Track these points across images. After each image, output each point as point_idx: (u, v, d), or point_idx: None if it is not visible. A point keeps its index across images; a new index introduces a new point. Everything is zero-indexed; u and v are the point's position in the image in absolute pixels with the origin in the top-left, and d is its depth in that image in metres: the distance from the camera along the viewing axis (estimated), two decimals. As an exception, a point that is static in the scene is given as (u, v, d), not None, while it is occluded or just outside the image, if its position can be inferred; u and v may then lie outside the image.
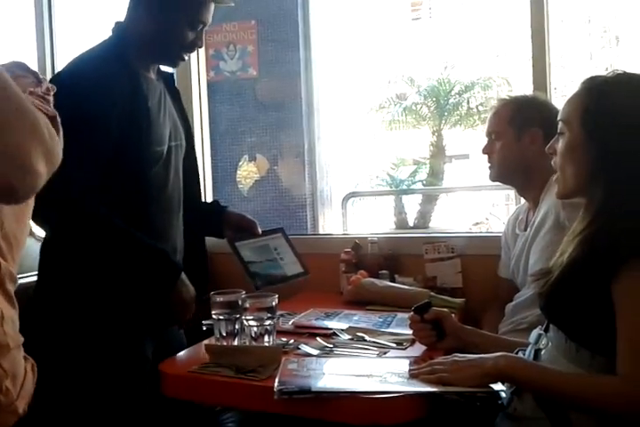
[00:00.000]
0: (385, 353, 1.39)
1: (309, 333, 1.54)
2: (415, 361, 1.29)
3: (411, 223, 6.35)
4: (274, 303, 1.37)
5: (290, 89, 2.89)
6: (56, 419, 1.41)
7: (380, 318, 1.71)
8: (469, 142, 7.11)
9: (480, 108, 7.20)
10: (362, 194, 5.35)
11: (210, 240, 1.89)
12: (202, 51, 2.74)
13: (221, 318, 1.39)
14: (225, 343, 1.39)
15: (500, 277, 1.90)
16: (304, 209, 2.93)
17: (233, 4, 1.72)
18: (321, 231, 2.94)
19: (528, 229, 1.68)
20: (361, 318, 1.71)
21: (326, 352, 1.39)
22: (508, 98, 1.81)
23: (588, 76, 1.20)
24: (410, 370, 1.21)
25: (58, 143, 0.79)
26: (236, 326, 1.39)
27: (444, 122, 7.26)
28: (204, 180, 2.65)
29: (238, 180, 2.97)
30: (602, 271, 1.04)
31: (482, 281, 1.98)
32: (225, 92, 2.94)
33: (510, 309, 1.69)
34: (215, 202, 1.99)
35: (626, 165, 1.10)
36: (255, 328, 1.36)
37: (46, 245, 1.58)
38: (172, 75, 1.80)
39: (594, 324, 1.07)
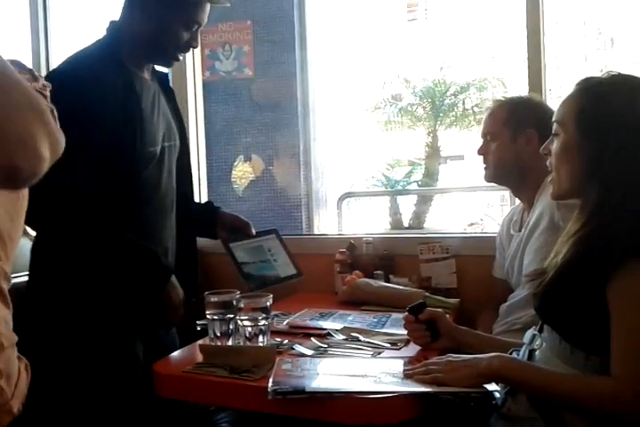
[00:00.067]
0: (379, 353, 1.39)
1: (304, 333, 1.54)
2: (409, 361, 1.29)
3: (406, 224, 6.37)
4: (268, 303, 1.37)
5: (285, 89, 2.89)
6: (50, 418, 1.41)
7: (374, 318, 1.71)
8: (464, 143, 7.14)
9: (475, 109, 7.24)
10: (357, 194, 5.37)
11: (204, 241, 1.88)
12: (197, 51, 2.72)
13: (215, 318, 1.38)
14: (219, 343, 1.39)
15: (494, 277, 1.90)
16: (299, 209, 2.93)
17: (229, 5, 1.71)
18: (316, 231, 2.94)
19: (523, 230, 1.68)
20: (355, 319, 1.71)
21: (320, 352, 1.38)
22: (503, 99, 1.81)
23: (583, 78, 1.20)
24: (404, 370, 1.21)
25: (61, 132, 0.79)
26: (231, 327, 1.39)
27: (439, 123, 7.29)
28: (199, 180, 2.64)
29: (233, 180, 2.97)
30: (596, 272, 1.04)
31: (476, 282, 1.98)
32: (220, 92, 2.94)
33: (504, 309, 1.69)
34: (209, 203, 1.99)
35: (620, 166, 1.10)
36: (249, 328, 1.36)
37: (37, 244, 1.56)
38: (166, 75, 1.78)
39: (588, 325, 1.07)
